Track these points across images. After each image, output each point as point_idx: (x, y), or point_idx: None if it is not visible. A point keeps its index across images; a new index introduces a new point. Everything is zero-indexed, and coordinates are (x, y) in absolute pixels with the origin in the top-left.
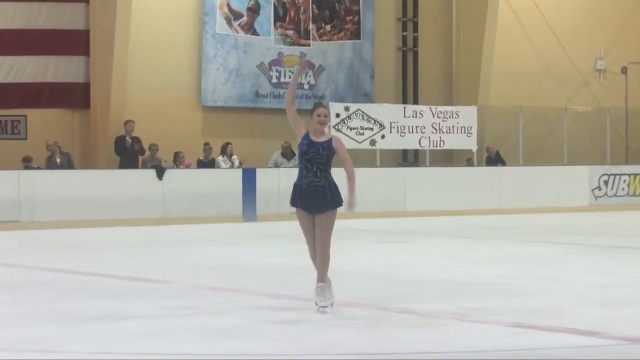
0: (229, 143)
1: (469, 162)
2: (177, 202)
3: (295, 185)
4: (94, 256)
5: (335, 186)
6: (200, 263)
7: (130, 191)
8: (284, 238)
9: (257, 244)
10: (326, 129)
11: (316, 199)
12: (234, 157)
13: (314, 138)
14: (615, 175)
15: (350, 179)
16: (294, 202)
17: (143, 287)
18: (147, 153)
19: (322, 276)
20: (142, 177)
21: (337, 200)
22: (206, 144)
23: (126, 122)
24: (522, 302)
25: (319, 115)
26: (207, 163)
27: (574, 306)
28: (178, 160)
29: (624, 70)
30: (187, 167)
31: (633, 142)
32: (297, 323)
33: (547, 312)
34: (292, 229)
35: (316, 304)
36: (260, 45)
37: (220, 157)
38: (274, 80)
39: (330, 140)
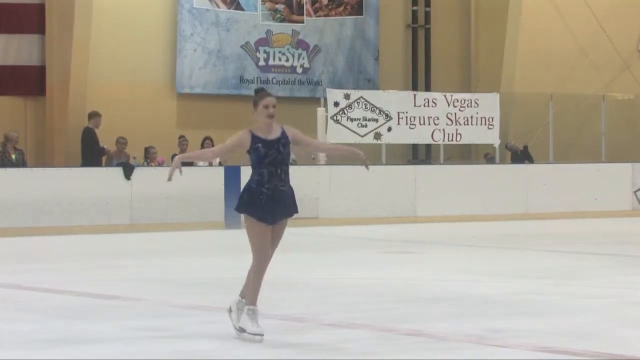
0: (208, 138)
1: (489, 159)
2: (147, 206)
3: (251, 190)
4: (49, 269)
5: (293, 190)
6: (174, 277)
7: (92, 193)
8: None
9: (241, 254)
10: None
11: (283, 206)
12: None
13: (266, 136)
14: None
15: (340, 147)
16: (249, 209)
17: (107, 306)
18: (114, 148)
19: (255, 298)
20: (106, 177)
21: (296, 207)
22: (181, 137)
23: (92, 115)
24: (551, 323)
25: (266, 107)
26: None
27: (612, 328)
28: (149, 157)
29: None
30: (160, 164)
31: None
32: (289, 347)
33: (580, 335)
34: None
35: (245, 332)
36: (246, 22)
37: None
38: (262, 62)
39: (284, 133)
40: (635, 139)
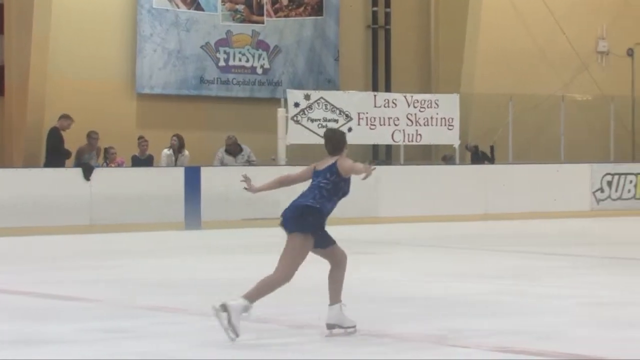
0: (176, 135)
1: (448, 159)
2: (107, 207)
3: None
4: (8, 271)
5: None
6: (134, 278)
7: (51, 194)
8: (233, 248)
9: (202, 255)
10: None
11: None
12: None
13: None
14: (620, 174)
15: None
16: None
17: (66, 307)
18: (85, 142)
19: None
20: (66, 178)
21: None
22: (141, 137)
23: (62, 117)
24: (511, 323)
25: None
26: (144, 160)
27: (571, 328)
28: (108, 157)
29: (630, 53)
30: (119, 165)
31: None
32: (249, 348)
33: (540, 335)
34: (243, 237)
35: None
36: (206, 23)
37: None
38: (222, 63)
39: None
40: (593, 140)
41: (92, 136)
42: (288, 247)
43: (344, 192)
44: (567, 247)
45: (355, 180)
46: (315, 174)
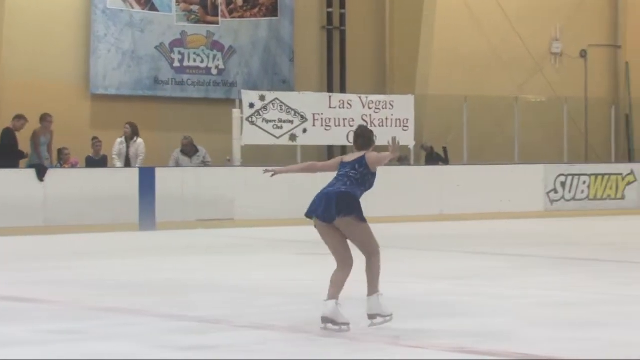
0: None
1: (403, 159)
2: (61, 208)
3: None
4: None
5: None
6: (88, 279)
7: (4, 194)
8: (188, 250)
9: (156, 256)
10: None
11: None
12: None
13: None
14: (573, 175)
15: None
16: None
17: (21, 309)
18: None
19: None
20: (19, 178)
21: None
22: (95, 138)
23: (17, 117)
24: (465, 324)
25: None
26: (98, 161)
27: (525, 328)
28: (62, 158)
29: (583, 54)
30: (73, 165)
31: (594, 137)
32: (203, 348)
33: (494, 335)
34: (198, 238)
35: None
36: (160, 23)
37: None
38: (176, 64)
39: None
40: (547, 141)
41: (46, 119)
42: (351, 232)
43: (370, 184)
44: (521, 247)
45: (309, 180)
46: (342, 165)
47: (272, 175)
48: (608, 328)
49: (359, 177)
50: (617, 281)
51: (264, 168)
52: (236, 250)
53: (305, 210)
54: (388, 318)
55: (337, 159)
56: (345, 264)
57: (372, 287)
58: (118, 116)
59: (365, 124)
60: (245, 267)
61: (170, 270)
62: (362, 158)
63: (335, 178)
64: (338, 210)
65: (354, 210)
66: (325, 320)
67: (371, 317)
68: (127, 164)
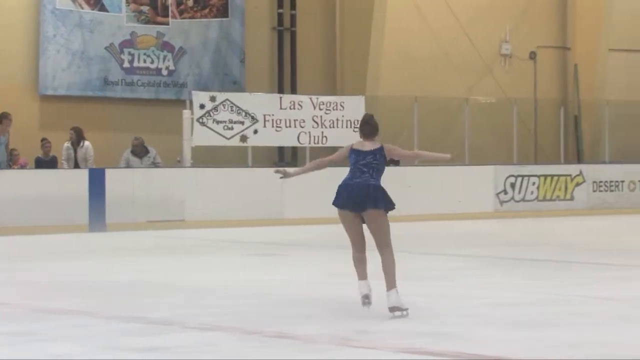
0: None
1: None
2: (10, 209)
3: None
4: None
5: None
6: (37, 281)
7: None
8: (138, 251)
9: (106, 257)
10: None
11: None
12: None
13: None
14: (523, 176)
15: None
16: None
17: None
18: None
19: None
20: None
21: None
22: (44, 139)
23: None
24: (415, 324)
25: None
26: (47, 162)
27: (476, 328)
28: (11, 159)
29: (533, 56)
30: (22, 166)
31: (543, 138)
32: (154, 350)
33: (444, 335)
34: (148, 239)
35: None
36: (110, 24)
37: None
38: (126, 64)
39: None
40: (497, 142)
41: (7, 117)
42: (377, 225)
43: (383, 173)
44: (471, 248)
45: (260, 181)
46: (359, 154)
47: (282, 177)
48: (559, 328)
49: (380, 166)
50: (567, 282)
51: (275, 169)
52: (187, 251)
53: (254, 209)
54: (405, 312)
55: (345, 149)
56: (364, 247)
57: (391, 282)
58: (67, 117)
59: (316, 124)
60: (196, 268)
61: (121, 272)
62: (382, 149)
63: (358, 169)
64: (375, 203)
65: (388, 203)
66: (393, 309)
67: (392, 309)
68: (77, 168)
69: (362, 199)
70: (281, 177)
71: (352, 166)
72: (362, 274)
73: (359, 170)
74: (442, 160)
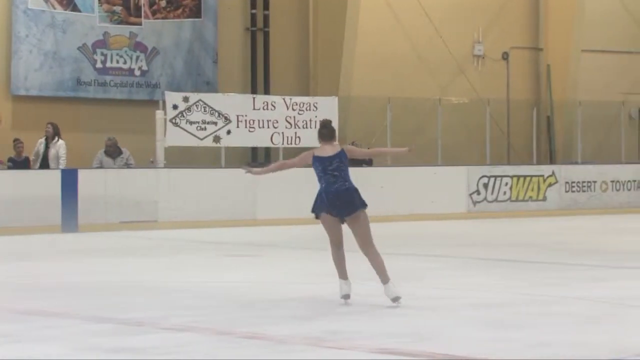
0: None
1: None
2: None
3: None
4: None
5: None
6: (10, 281)
7: None
8: (110, 252)
9: (79, 258)
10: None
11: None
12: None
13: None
14: (496, 177)
15: (385, 150)
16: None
17: None
18: None
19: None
20: None
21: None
22: (16, 139)
23: None
24: (388, 325)
25: None
26: (20, 162)
27: (449, 329)
28: None
29: (505, 57)
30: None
31: (516, 138)
32: (128, 351)
33: (418, 336)
34: (120, 240)
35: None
36: (83, 24)
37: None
38: (99, 65)
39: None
40: (470, 143)
41: None
42: (361, 227)
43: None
44: (444, 248)
45: (233, 182)
46: (323, 161)
47: (247, 172)
48: (530, 328)
49: (346, 168)
50: (539, 282)
51: (244, 168)
52: (160, 252)
53: (227, 210)
54: (401, 300)
55: (307, 154)
56: (343, 245)
57: (385, 276)
58: (40, 117)
59: (289, 125)
60: (169, 269)
61: (93, 273)
62: (343, 151)
63: (330, 175)
64: (357, 205)
65: (364, 202)
66: (395, 299)
67: (394, 300)
68: (45, 165)
69: (346, 205)
70: (246, 172)
71: (321, 174)
72: (343, 273)
73: (332, 176)
74: (400, 154)
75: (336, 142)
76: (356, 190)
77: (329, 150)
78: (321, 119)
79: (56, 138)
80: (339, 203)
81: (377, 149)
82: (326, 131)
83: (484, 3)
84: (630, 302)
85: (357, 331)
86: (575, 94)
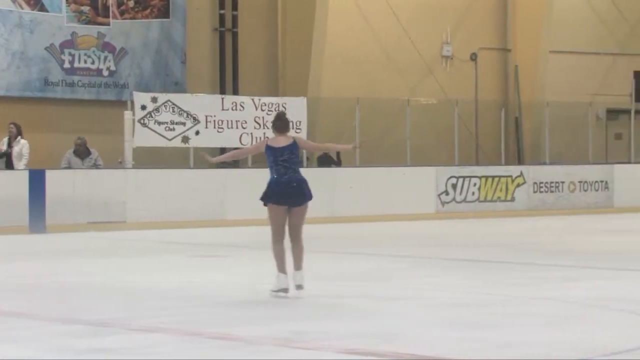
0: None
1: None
2: None
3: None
4: None
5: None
6: None
7: None
8: (79, 252)
9: (47, 259)
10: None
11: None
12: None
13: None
14: (464, 177)
15: (333, 145)
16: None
17: None
18: None
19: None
20: None
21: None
22: None
23: None
24: (356, 325)
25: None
26: None
27: (418, 329)
28: None
29: (474, 57)
30: None
31: (484, 139)
32: (96, 352)
33: (386, 336)
34: (88, 241)
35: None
36: (50, 24)
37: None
38: (67, 65)
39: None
40: (438, 143)
41: None
42: (300, 218)
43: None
44: (413, 249)
45: (202, 183)
46: (275, 151)
47: (210, 161)
48: (498, 328)
49: (297, 159)
50: (507, 282)
51: (203, 154)
52: (128, 252)
53: (196, 210)
54: (303, 290)
55: (260, 143)
56: (283, 238)
57: (300, 264)
58: (7, 117)
59: (258, 125)
60: (138, 270)
61: (61, 274)
62: (295, 143)
63: (282, 166)
64: (306, 197)
65: (311, 196)
66: (299, 287)
67: (298, 287)
68: (9, 164)
69: (296, 196)
70: (208, 161)
71: (273, 164)
72: (283, 267)
73: (283, 167)
74: (345, 150)
75: (289, 134)
76: (305, 182)
77: (282, 141)
78: (277, 112)
79: (18, 138)
80: (289, 194)
81: (325, 144)
82: (280, 123)
83: (452, 4)
84: (598, 303)
85: (325, 332)
86: (543, 95)
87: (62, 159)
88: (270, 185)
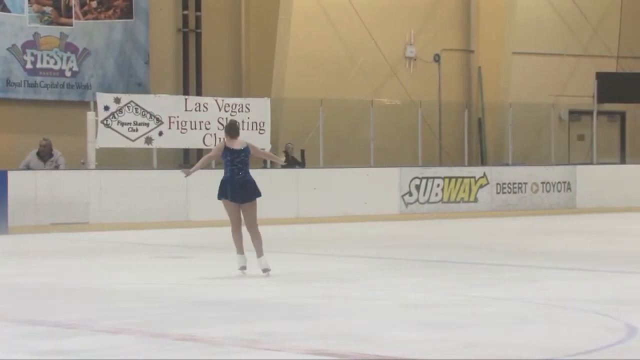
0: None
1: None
2: None
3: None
4: None
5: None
6: None
7: None
8: (41, 254)
9: (8, 261)
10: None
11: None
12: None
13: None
14: (427, 178)
15: (268, 154)
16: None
17: None
18: None
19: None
20: None
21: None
22: None
23: None
24: (323, 326)
25: None
26: None
27: (383, 329)
28: None
29: (437, 59)
30: None
31: (447, 140)
32: (61, 353)
33: (351, 337)
34: (51, 242)
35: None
36: (12, 24)
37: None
38: (29, 65)
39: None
40: (402, 144)
41: None
42: (252, 212)
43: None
44: (377, 250)
45: (165, 184)
46: (232, 152)
47: (186, 176)
48: (461, 329)
49: (248, 161)
50: (472, 283)
51: (184, 171)
52: (91, 254)
53: (159, 211)
54: (271, 271)
55: (220, 145)
56: (240, 226)
57: (261, 251)
58: None
59: (221, 126)
60: (100, 271)
61: (24, 275)
62: (248, 148)
63: (236, 166)
64: (255, 194)
65: (259, 193)
66: (266, 270)
67: (264, 270)
68: None
69: (247, 194)
70: (186, 176)
71: (229, 164)
72: (241, 249)
73: (237, 168)
74: (275, 161)
75: (242, 139)
76: (254, 181)
77: (238, 144)
78: (229, 120)
79: None
80: (241, 192)
81: (266, 152)
82: (234, 130)
83: (415, 5)
84: (560, 303)
85: (291, 332)
86: (506, 96)
87: (22, 161)
88: (225, 183)
